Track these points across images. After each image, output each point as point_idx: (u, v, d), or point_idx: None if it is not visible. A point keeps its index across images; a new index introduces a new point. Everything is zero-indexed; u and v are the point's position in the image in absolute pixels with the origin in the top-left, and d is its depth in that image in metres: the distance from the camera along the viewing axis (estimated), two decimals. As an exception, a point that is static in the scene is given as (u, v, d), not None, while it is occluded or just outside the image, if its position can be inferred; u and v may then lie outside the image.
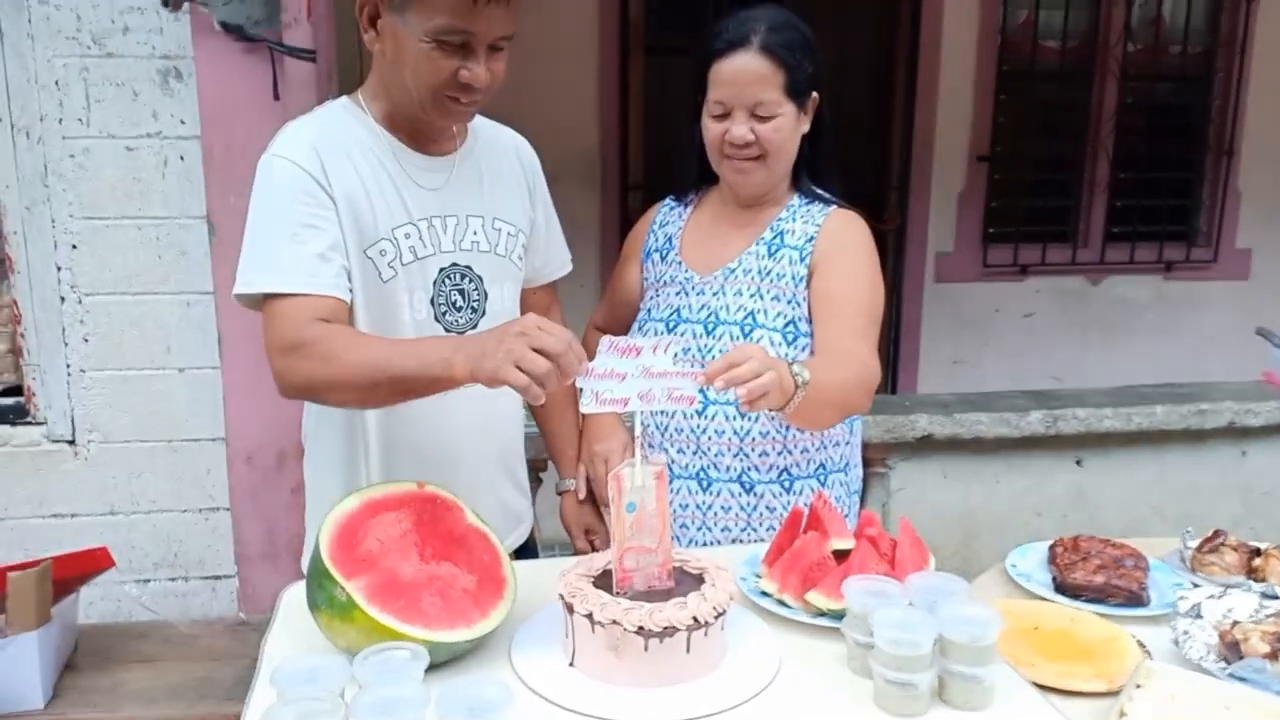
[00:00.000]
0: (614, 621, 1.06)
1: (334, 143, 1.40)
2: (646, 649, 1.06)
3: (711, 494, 1.64)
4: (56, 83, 2.09)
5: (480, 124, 1.55)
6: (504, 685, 0.88)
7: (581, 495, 1.76)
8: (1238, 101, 4.51)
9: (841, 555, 1.30)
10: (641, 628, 1.05)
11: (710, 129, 1.59)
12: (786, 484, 1.63)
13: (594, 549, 1.80)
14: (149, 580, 2.30)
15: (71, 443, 2.24)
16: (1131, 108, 4.52)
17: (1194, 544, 1.66)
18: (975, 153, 4.44)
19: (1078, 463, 2.93)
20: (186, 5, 2.07)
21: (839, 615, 1.19)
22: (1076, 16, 4.45)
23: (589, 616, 1.07)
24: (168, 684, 1.91)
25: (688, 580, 1.17)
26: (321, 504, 1.56)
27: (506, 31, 1.34)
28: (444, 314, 1.48)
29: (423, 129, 1.45)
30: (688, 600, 1.10)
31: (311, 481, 1.62)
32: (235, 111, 2.13)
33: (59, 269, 2.17)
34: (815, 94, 1.58)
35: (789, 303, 1.59)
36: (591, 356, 1.17)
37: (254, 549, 2.31)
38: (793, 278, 1.58)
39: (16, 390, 2.24)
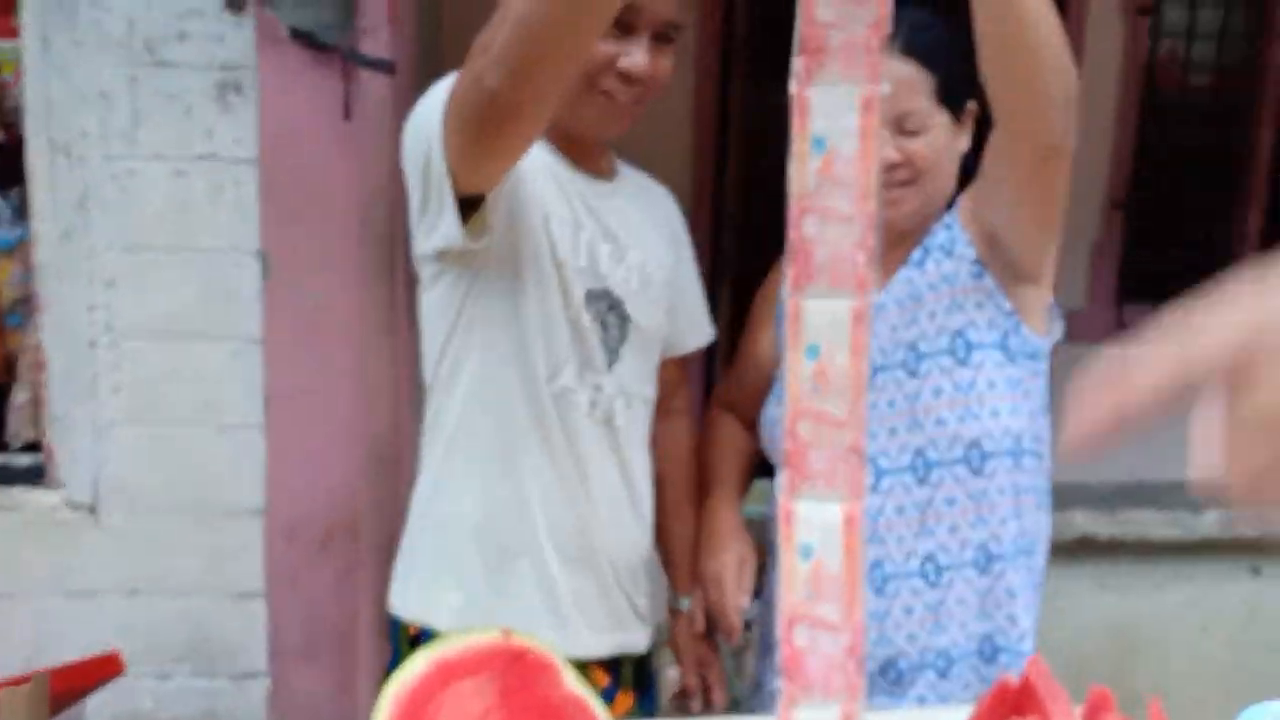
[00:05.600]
0: None
1: None
2: None
3: (887, 597, 1.29)
4: (101, 95, 1.81)
5: (627, 167, 1.44)
6: None
7: (699, 627, 1.42)
8: None
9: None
10: None
11: None
12: (982, 565, 1.28)
13: (706, 689, 1.46)
14: (169, 676, 1.98)
15: (93, 510, 1.94)
16: (1292, 154, 4.03)
17: None
18: (1111, 198, 4.00)
19: (1254, 570, 2.50)
20: (252, 9, 1.78)
21: None
22: (1231, 49, 4.00)
23: None
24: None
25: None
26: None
27: (675, 18, 1.23)
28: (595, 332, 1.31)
29: (577, 140, 1.30)
30: None
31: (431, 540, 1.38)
32: (300, 132, 1.83)
33: (91, 309, 1.88)
34: (973, 103, 1.29)
35: (950, 310, 1.29)
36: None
37: (291, 644, 1.98)
38: (945, 278, 1.31)
39: (35, 446, 1.95)
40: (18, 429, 1.94)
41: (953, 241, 1.32)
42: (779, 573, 0.87)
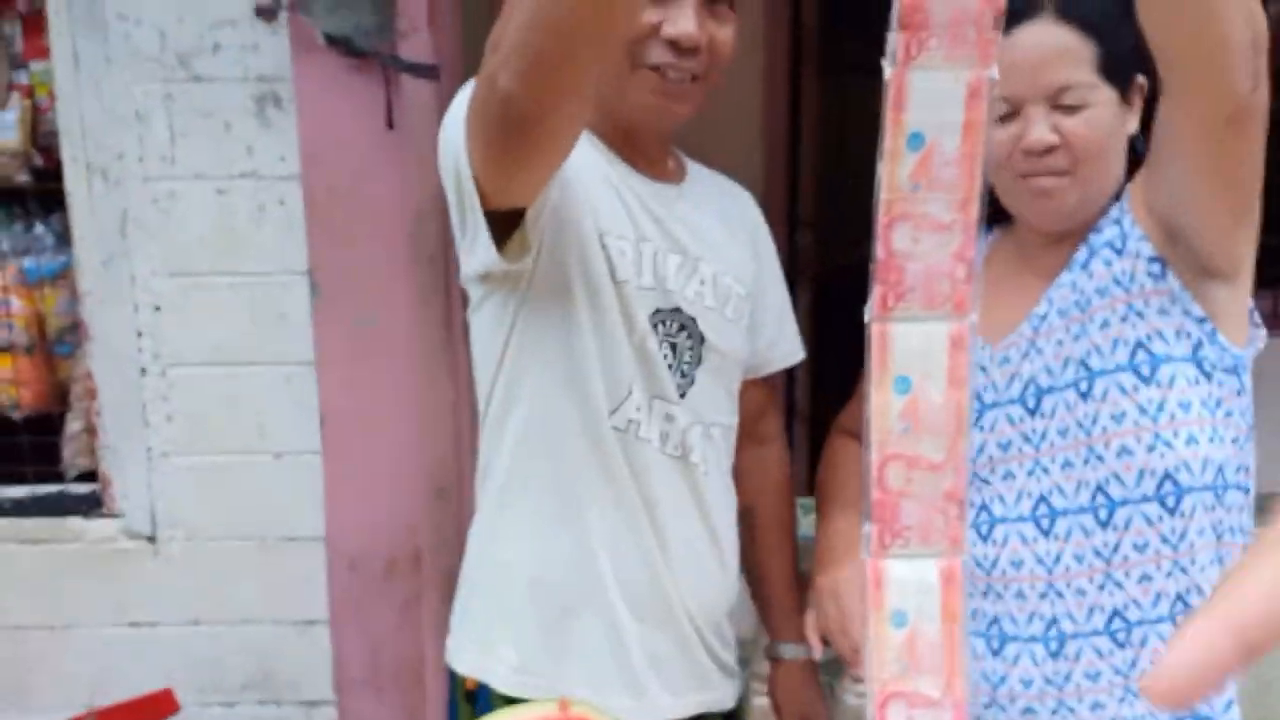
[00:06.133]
0: None
1: None
2: None
3: (1067, 659, 1.10)
4: (136, 114, 1.74)
5: (698, 167, 1.29)
6: None
7: (817, 654, 1.25)
8: None
9: None
10: None
11: (993, 139, 1.08)
12: (1180, 621, 1.10)
13: None
14: (234, 704, 1.93)
15: (152, 539, 1.89)
16: None
17: None
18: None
19: None
20: (284, 16, 1.68)
21: None
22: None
23: None
24: None
25: None
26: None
27: None
28: (663, 356, 1.15)
29: (634, 135, 1.16)
30: None
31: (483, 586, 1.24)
32: (340, 145, 1.74)
33: (139, 335, 1.82)
34: (1142, 78, 1.08)
35: (1126, 318, 1.07)
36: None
37: (355, 673, 1.90)
38: (1117, 281, 1.10)
39: (92, 476, 1.91)
40: (73, 458, 1.90)
41: (1124, 237, 1.11)
42: (868, 644, 0.73)
